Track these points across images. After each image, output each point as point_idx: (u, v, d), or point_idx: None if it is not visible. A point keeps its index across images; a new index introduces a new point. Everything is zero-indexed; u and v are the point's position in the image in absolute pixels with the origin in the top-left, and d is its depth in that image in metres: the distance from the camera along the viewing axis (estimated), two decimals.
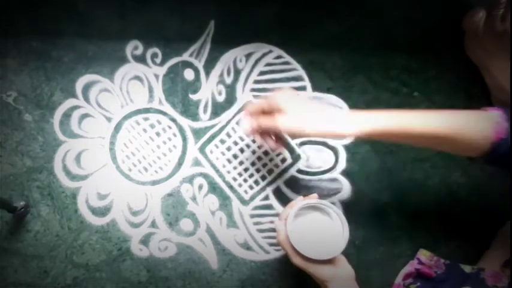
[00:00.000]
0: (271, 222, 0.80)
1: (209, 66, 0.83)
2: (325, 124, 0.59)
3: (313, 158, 0.82)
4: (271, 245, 0.80)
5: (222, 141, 0.82)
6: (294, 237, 0.62)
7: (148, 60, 0.83)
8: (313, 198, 0.67)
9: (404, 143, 0.59)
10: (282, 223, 0.65)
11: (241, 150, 0.82)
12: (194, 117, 0.82)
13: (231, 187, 0.81)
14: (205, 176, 0.81)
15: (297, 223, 0.65)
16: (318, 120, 0.60)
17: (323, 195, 0.81)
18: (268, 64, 0.84)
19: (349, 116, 0.60)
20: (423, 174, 0.82)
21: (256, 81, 0.83)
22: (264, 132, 0.67)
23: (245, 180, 0.82)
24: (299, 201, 0.66)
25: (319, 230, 0.65)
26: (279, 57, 0.84)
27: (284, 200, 0.81)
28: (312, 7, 0.85)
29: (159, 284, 0.78)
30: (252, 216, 0.81)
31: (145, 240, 0.79)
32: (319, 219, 0.66)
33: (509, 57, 0.71)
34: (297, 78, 0.84)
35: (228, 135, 0.82)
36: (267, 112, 0.64)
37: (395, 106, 0.84)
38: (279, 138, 0.70)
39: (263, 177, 0.82)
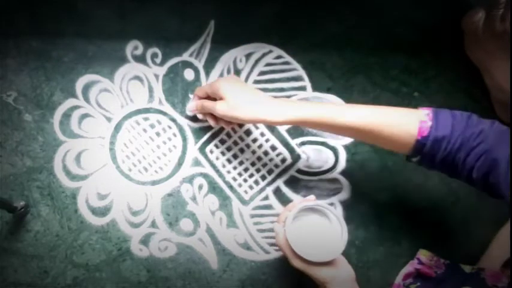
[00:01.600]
0: (271, 222, 0.80)
1: (209, 66, 0.83)
2: (257, 113, 0.64)
3: (313, 158, 0.82)
4: (271, 245, 0.80)
5: (222, 141, 0.82)
6: (292, 240, 0.62)
7: (148, 60, 0.83)
8: (311, 200, 0.67)
9: (332, 132, 0.65)
10: (281, 226, 0.65)
11: (241, 150, 0.82)
12: (194, 117, 0.82)
13: (231, 187, 0.81)
14: (205, 176, 0.81)
15: (296, 225, 0.65)
16: (250, 109, 0.64)
17: (323, 196, 0.81)
18: (268, 64, 0.84)
19: (279, 105, 0.64)
20: (423, 174, 0.82)
21: (256, 81, 0.83)
22: (207, 113, 0.73)
23: (245, 180, 0.82)
24: (297, 204, 0.66)
25: (318, 232, 0.65)
26: (279, 57, 0.84)
27: (284, 200, 0.81)
28: (312, 7, 0.85)
29: (159, 284, 0.78)
30: (252, 216, 0.81)
31: (145, 240, 0.79)
32: (318, 221, 0.66)
33: (509, 57, 0.71)
34: (297, 78, 0.84)
35: (228, 135, 0.82)
36: (211, 96, 0.71)
37: (395, 106, 0.83)
38: (220, 119, 0.73)
39: (263, 177, 0.82)
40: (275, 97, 0.70)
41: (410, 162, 0.62)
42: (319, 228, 0.66)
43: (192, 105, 0.76)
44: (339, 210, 0.81)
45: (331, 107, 0.62)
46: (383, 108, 0.60)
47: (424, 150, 0.55)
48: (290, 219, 0.63)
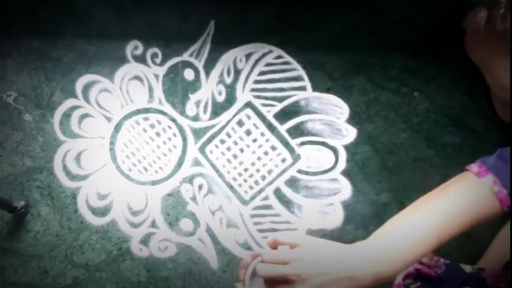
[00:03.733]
0: (271, 222, 0.80)
1: (209, 66, 0.83)
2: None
3: (313, 158, 0.82)
4: None
5: (222, 141, 0.82)
6: None
7: (148, 60, 0.83)
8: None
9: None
10: (241, 285, 0.61)
11: (241, 150, 0.82)
12: (194, 117, 0.82)
13: (231, 187, 0.81)
14: (205, 176, 0.81)
15: (255, 284, 0.60)
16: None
17: (323, 195, 0.81)
18: (268, 64, 0.84)
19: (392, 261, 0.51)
20: (423, 174, 0.82)
21: (256, 81, 0.83)
22: None
23: (245, 180, 0.82)
24: (251, 262, 0.61)
25: None
26: (279, 57, 0.84)
27: (284, 200, 0.81)
28: (312, 7, 0.85)
29: (159, 284, 0.78)
30: (252, 216, 0.81)
31: (145, 240, 0.79)
32: None
33: (509, 56, 0.71)
34: (297, 78, 0.84)
35: (228, 135, 0.82)
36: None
37: (395, 106, 0.83)
38: None
39: (263, 177, 0.82)
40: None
41: None
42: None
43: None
44: (338, 211, 0.81)
45: (427, 234, 0.52)
46: (453, 199, 0.54)
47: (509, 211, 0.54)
48: (248, 279, 0.60)
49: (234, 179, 0.81)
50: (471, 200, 0.54)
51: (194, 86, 0.83)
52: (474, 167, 0.54)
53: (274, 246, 0.55)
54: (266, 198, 0.81)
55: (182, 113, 0.82)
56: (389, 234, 0.53)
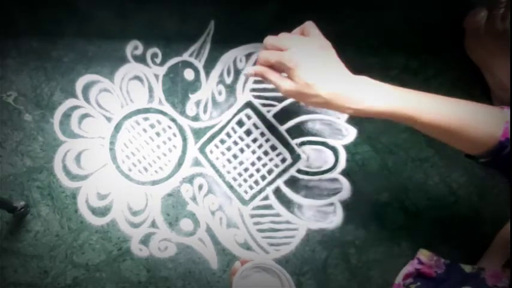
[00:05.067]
0: (271, 222, 0.80)
1: (209, 66, 0.83)
2: (343, 93, 0.52)
3: (313, 158, 0.82)
4: (271, 245, 0.80)
5: (222, 141, 0.82)
6: None
7: (148, 60, 0.83)
8: (264, 259, 0.64)
9: (414, 127, 0.56)
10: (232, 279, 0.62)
11: (241, 150, 0.82)
12: (194, 117, 0.82)
13: (231, 187, 0.81)
14: (205, 176, 0.81)
15: (246, 283, 0.62)
16: (334, 87, 0.52)
17: (323, 195, 0.81)
18: None
19: (376, 87, 0.55)
20: (423, 174, 0.82)
21: (256, 81, 0.83)
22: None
23: (245, 180, 0.82)
24: (249, 260, 0.63)
25: None
26: None
27: (284, 200, 0.81)
28: (311, 7, 0.85)
29: (159, 284, 0.78)
30: (252, 216, 0.81)
31: (145, 240, 0.79)
32: (269, 280, 0.63)
33: (510, 56, 0.72)
34: None
35: (228, 135, 0.82)
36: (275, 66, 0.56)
37: None
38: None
39: (263, 177, 0.82)
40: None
41: (474, 161, 0.56)
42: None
43: (250, 70, 0.61)
44: (338, 211, 0.81)
45: (420, 100, 0.54)
46: (467, 103, 0.54)
47: (503, 152, 0.52)
48: (238, 276, 0.61)
49: (234, 179, 0.81)
50: (481, 111, 0.52)
51: (194, 86, 0.83)
52: (505, 106, 0.53)
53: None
54: (266, 198, 0.81)
55: (182, 113, 0.82)
56: (387, 85, 0.57)
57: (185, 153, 0.82)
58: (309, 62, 0.53)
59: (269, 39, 0.57)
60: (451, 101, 0.54)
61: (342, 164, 0.82)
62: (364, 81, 0.54)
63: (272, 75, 0.57)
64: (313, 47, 0.55)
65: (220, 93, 0.83)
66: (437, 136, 0.55)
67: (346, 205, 0.81)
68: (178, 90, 0.83)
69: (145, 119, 0.82)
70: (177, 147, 0.82)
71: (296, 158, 0.82)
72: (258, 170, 0.82)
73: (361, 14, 0.86)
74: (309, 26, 0.59)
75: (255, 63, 0.64)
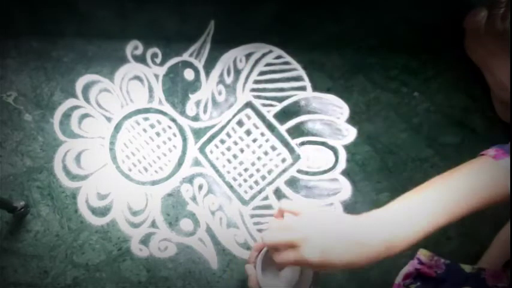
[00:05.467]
0: None
1: (209, 66, 0.83)
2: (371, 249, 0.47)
3: (313, 158, 0.82)
4: None
5: (222, 141, 0.82)
6: (264, 282, 0.59)
7: (148, 60, 0.83)
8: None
9: None
10: (252, 266, 0.62)
11: (241, 150, 0.82)
12: (194, 117, 0.82)
13: (231, 187, 0.81)
14: (205, 176, 0.81)
15: (268, 263, 0.62)
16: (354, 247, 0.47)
17: (323, 195, 0.81)
18: (268, 64, 0.84)
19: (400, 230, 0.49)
20: (423, 174, 0.82)
21: (256, 81, 0.83)
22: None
23: (245, 180, 0.82)
24: (263, 245, 0.63)
25: (288, 272, 0.61)
26: (279, 57, 0.84)
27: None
28: (311, 7, 0.85)
29: (159, 284, 0.78)
30: (252, 216, 0.81)
31: (145, 240, 0.79)
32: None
33: (509, 56, 0.71)
34: (297, 78, 0.84)
35: (228, 135, 0.82)
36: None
37: (395, 106, 0.83)
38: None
39: (263, 177, 0.82)
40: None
41: None
42: (287, 271, 0.62)
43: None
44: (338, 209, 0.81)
45: (437, 213, 0.51)
46: (473, 179, 0.52)
47: None
48: (259, 261, 0.61)
49: (234, 179, 0.81)
50: (487, 179, 0.52)
51: (194, 86, 0.83)
52: (490, 151, 0.53)
53: (281, 215, 0.53)
54: (266, 198, 0.81)
55: (182, 113, 0.82)
56: (401, 207, 0.52)
57: (185, 153, 0.82)
58: (326, 252, 0.47)
59: (269, 239, 0.49)
60: (460, 184, 0.52)
61: (342, 164, 0.82)
62: (382, 227, 0.50)
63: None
64: (316, 229, 0.49)
65: (220, 93, 0.83)
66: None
67: (346, 205, 0.81)
68: (178, 90, 0.83)
69: (145, 119, 0.82)
70: (177, 147, 0.82)
71: (296, 158, 0.82)
72: (258, 170, 0.82)
73: (361, 14, 0.86)
74: (286, 206, 0.52)
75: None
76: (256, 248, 0.63)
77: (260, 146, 0.82)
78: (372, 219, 0.52)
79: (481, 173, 0.53)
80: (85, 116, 0.81)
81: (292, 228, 0.49)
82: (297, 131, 0.83)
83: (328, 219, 0.51)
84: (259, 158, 0.82)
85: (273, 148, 0.82)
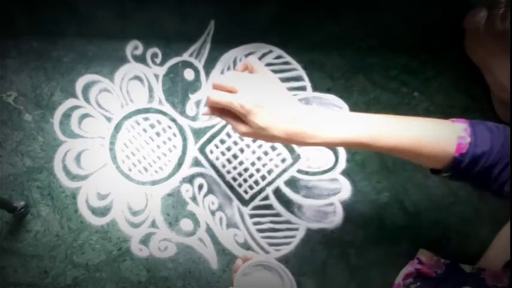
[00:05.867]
0: (271, 222, 0.80)
1: (209, 66, 0.83)
2: (300, 128, 0.53)
3: (313, 158, 0.82)
4: (271, 245, 0.80)
5: (222, 141, 0.82)
6: None
7: (148, 60, 0.83)
8: (265, 256, 0.64)
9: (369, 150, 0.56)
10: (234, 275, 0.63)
11: (241, 150, 0.82)
12: (194, 117, 0.82)
13: (231, 187, 0.81)
14: (205, 176, 0.81)
15: (247, 281, 0.62)
16: (289, 125, 0.53)
17: (323, 196, 0.81)
18: (268, 64, 0.84)
19: (331, 120, 0.54)
20: (423, 174, 0.82)
21: None
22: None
23: (245, 180, 0.82)
24: (250, 258, 0.63)
25: None
26: (279, 57, 0.84)
27: (284, 200, 0.81)
28: (311, 7, 0.85)
29: (159, 284, 0.78)
30: (252, 216, 0.81)
31: (145, 240, 0.79)
32: (270, 279, 0.62)
33: (509, 56, 0.71)
34: (297, 78, 0.84)
35: (228, 135, 0.82)
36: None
37: (395, 106, 0.84)
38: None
39: (263, 177, 0.82)
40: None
41: (437, 176, 0.57)
42: (269, 286, 0.62)
43: (206, 111, 0.62)
44: (338, 211, 0.81)
45: (371, 125, 0.54)
46: (419, 122, 0.54)
47: (460, 167, 0.53)
48: (239, 273, 0.61)
49: (234, 179, 0.81)
50: (432, 130, 0.53)
51: (194, 86, 0.83)
52: (455, 119, 0.54)
53: (243, 68, 0.59)
54: (266, 198, 0.81)
55: (182, 113, 0.82)
56: (347, 113, 0.58)
57: (185, 153, 0.82)
58: (260, 106, 0.53)
59: (216, 80, 0.57)
60: (404, 121, 0.55)
61: (342, 164, 0.82)
62: (316, 113, 0.55)
63: (228, 117, 0.57)
64: (261, 86, 0.55)
65: None
66: (397, 156, 0.56)
67: (346, 205, 0.81)
68: (178, 90, 0.83)
69: (146, 119, 0.82)
70: (177, 147, 0.82)
71: (296, 158, 0.82)
72: (258, 170, 0.82)
73: (361, 14, 0.86)
74: (253, 61, 0.59)
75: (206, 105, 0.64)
76: (235, 269, 0.64)
77: (260, 146, 0.82)
78: (311, 108, 0.57)
79: (430, 124, 0.54)
80: (85, 116, 0.82)
81: (241, 78, 0.55)
82: None
83: (277, 87, 0.56)
84: (259, 158, 0.82)
85: (273, 148, 0.82)
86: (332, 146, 0.55)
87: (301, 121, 0.53)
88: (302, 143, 0.54)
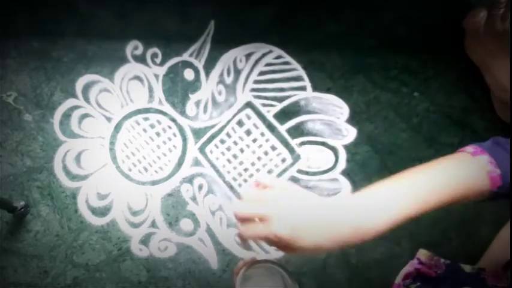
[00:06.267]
0: None
1: (209, 66, 0.83)
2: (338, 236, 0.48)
3: (313, 158, 0.82)
4: (271, 245, 0.80)
5: (222, 141, 0.82)
6: None
7: (148, 60, 0.83)
8: (263, 260, 0.64)
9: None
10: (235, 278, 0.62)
11: (241, 150, 0.82)
12: (194, 117, 0.82)
13: (231, 187, 0.81)
14: (205, 176, 0.81)
15: (249, 283, 0.62)
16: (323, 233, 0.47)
17: (323, 196, 0.81)
18: (268, 64, 0.84)
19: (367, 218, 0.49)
20: None
21: (256, 81, 0.83)
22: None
23: (245, 180, 0.82)
24: (252, 259, 0.63)
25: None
26: (279, 57, 0.84)
27: None
28: (311, 7, 0.85)
29: (159, 284, 0.78)
30: None
31: (145, 240, 0.79)
32: (271, 280, 0.63)
33: (509, 56, 0.71)
34: (297, 78, 0.84)
35: (228, 135, 0.82)
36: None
37: (395, 106, 0.84)
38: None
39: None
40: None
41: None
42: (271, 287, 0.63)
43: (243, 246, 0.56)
44: None
45: (415, 196, 0.51)
46: (444, 172, 0.52)
47: (499, 196, 0.54)
48: (241, 275, 0.61)
49: (234, 179, 0.81)
50: (461, 174, 0.52)
51: (194, 86, 0.83)
52: (469, 148, 0.53)
53: (256, 187, 0.53)
54: None
55: (182, 113, 0.82)
56: (374, 193, 0.52)
57: (185, 153, 0.82)
58: (297, 229, 0.47)
59: (240, 210, 0.49)
60: (432, 177, 0.52)
61: (342, 164, 0.82)
62: (352, 210, 0.50)
63: (273, 245, 0.49)
64: (287, 203, 0.49)
65: (220, 93, 0.83)
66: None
67: None
68: (178, 90, 0.83)
69: (146, 119, 0.82)
70: (177, 147, 0.82)
71: (296, 158, 0.82)
72: (258, 170, 0.82)
73: (361, 14, 0.86)
74: (262, 178, 0.51)
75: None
76: (236, 271, 0.63)
77: (260, 146, 0.82)
78: (342, 203, 0.52)
79: (456, 168, 0.53)
80: (85, 116, 0.81)
81: (265, 201, 0.49)
82: (297, 131, 0.83)
83: (300, 196, 0.50)
84: (259, 158, 0.82)
85: (273, 148, 0.82)
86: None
87: (343, 225, 0.48)
88: (353, 245, 0.48)
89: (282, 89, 0.83)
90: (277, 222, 0.47)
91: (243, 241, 0.52)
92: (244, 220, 0.49)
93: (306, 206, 0.49)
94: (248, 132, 0.82)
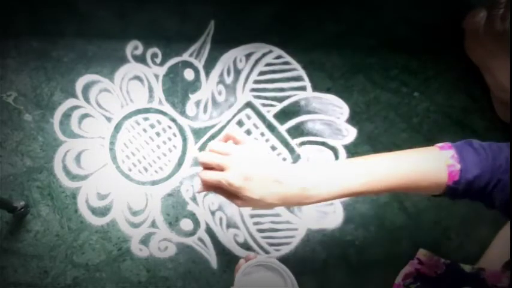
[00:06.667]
0: (272, 222, 0.80)
1: (209, 66, 0.83)
2: (292, 192, 0.52)
3: (313, 158, 0.82)
4: (271, 245, 0.80)
5: None
6: None
7: (148, 60, 0.83)
8: (266, 257, 0.65)
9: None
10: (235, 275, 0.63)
11: None
12: (194, 117, 0.82)
13: None
14: None
15: (248, 281, 0.62)
16: (279, 190, 0.52)
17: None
18: (268, 64, 0.84)
19: (321, 176, 0.53)
20: None
21: (256, 81, 0.83)
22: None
23: None
24: (253, 258, 0.64)
25: None
26: (279, 57, 0.84)
27: None
28: (311, 7, 0.85)
29: (159, 284, 0.78)
30: (252, 216, 0.81)
31: (145, 240, 0.79)
32: (272, 279, 0.63)
33: (509, 56, 0.71)
34: (297, 78, 0.84)
35: None
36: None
37: (395, 106, 0.84)
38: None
39: None
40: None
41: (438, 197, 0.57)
42: (270, 287, 0.63)
43: (200, 188, 0.58)
44: (338, 211, 0.81)
45: (364, 174, 0.54)
46: (406, 157, 0.54)
47: (456, 192, 0.54)
48: (241, 273, 0.61)
49: None
50: (421, 163, 0.53)
51: (194, 86, 0.83)
52: (440, 143, 0.54)
53: (226, 139, 0.58)
54: None
55: (182, 113, 0.82)
56: (330, 165, 0.55)
57: (185, 153, 0.82)
58: (248, 179, 0.52)
59: (203, 157, 0.54)
60: (392, 160, 0.54)
61: None
62: (302, 174, 0.53)
63: (222, 192, 0.56)
64: (247, 157, 0.54)
65: (220, 93, 0.83)
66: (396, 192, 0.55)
67: (346, 205, 0.81)
68: (178, 90, 0.83)
69: (145, 119, 0.82)
70: (177, 147, 0.82)
71: (296, 158, 0.82)
72: None
73: (361, 14, 0.86)
74: (233, 132, 0.58)
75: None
76: (236, 269, 0.64)
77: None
78: (298, 167, 0.56)
79: (418, 157, 0.54)
80: (85, 116, 0.82)
81: (227, 153, 0.53)
82: (297, 131, 0.83)
83: (263, 155, 0.54)
84: None
85: (273, 148, 0.82)
86: (326, 201, 0.54)
87: (291, 185, 0.52)
88: (299, 205, 0.54)
89: (282, 89, 0.83)
90: (232, 171, 0.52)
91: (203, 186, 0.56)
92: (204, 165, 0.55)
93: (264, 162, 0.53)
94: (248, 132, 0.82)
